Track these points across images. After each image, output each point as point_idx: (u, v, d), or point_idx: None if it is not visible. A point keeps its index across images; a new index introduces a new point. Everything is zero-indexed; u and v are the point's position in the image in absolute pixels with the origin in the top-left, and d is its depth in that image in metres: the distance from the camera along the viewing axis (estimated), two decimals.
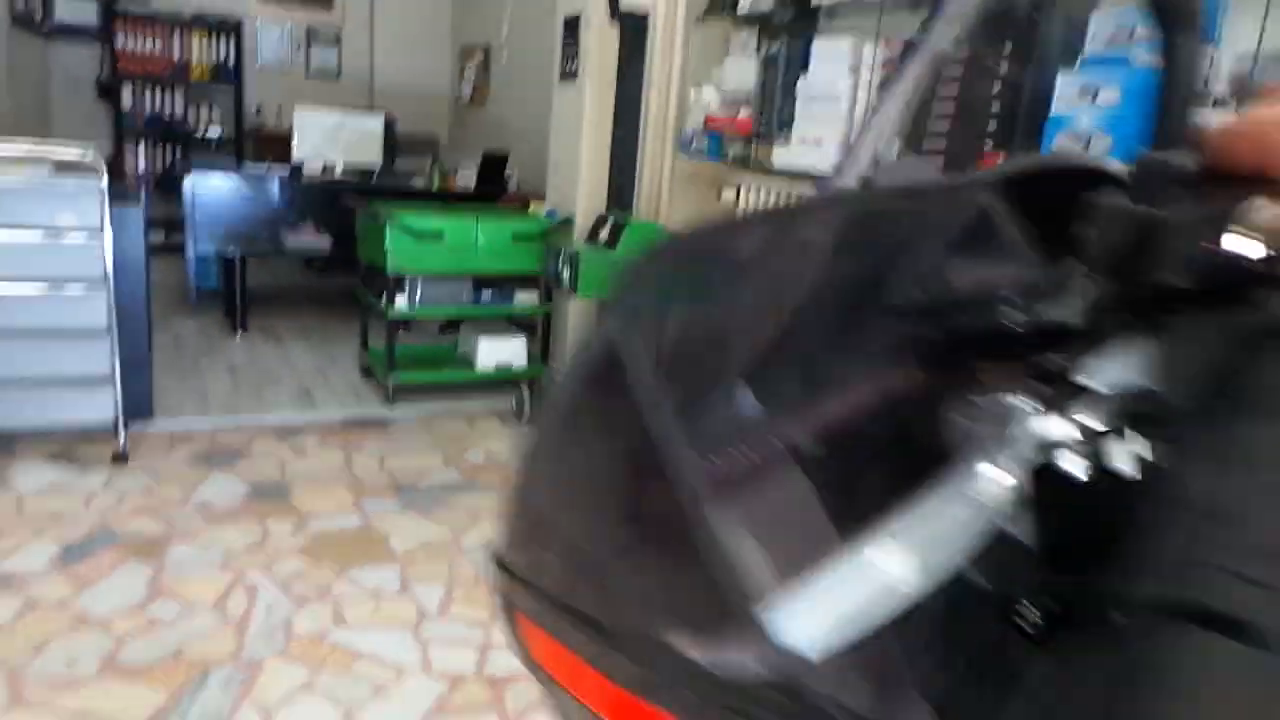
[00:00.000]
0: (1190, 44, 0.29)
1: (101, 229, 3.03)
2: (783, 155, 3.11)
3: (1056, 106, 2.05)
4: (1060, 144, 2.02)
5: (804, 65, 3.05)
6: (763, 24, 3.42)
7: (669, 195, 3.87)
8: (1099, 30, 2.03)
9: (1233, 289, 0.28)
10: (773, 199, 3.41)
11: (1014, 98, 2.22)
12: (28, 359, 3.05)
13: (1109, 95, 1.95)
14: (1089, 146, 1.97)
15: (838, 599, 0.22)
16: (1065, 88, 2.04)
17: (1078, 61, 2.06)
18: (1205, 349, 0.28)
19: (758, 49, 3.42)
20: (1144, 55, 1.91)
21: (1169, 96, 0.30)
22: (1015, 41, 2.21)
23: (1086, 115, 1.99)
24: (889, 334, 0.32)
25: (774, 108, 3.24)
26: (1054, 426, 0.29)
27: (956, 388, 0.32)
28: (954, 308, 0.33)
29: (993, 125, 2.23)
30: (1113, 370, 0.30)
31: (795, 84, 3.05)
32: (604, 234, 3.61)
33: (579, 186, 3.98)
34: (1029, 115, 2.14)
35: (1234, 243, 0.27)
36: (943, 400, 0.31)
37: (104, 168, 3.03)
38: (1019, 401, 0.30)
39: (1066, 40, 2.11)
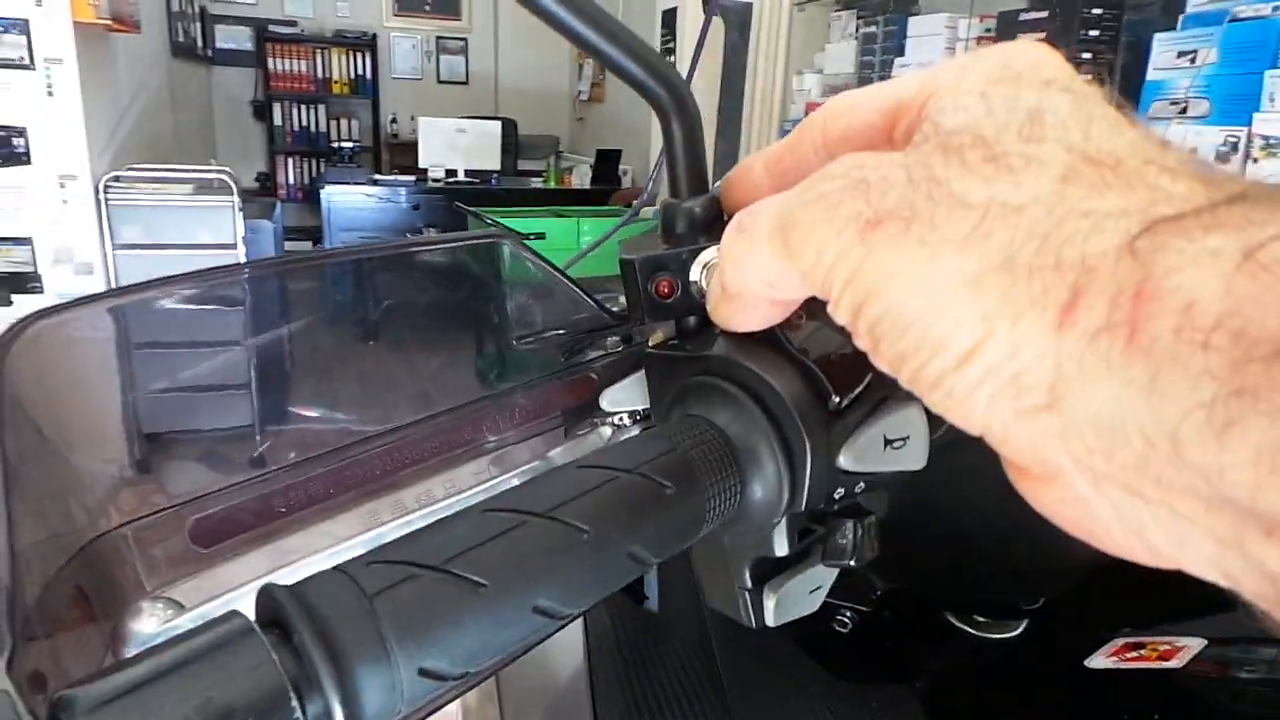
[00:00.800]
0: (687, 119, 0.30)
1: (235, 244, 3.32)
2: None
3: (1153, 72, 1.88)
4: (1157, 111, 1.86)
5: (901, 48, 2.94)
6: (860, 5, 3.31)
7: None
8: None
9: (699, 325, 0.30)
10: None
11: (1108, 58, 2.05)
12: (174, 367, 3.38)
13: (1207, 55, 1.77)
14: (1186, 112, 1.80)
15: None
16: (1162, 49, 1.87)
17: (1179, 21, 1.89)
18: (668, 380, 0.31)
19: (856, 32, 3.31)
20: (1245, 9, 1.72)
21: (673, 159, 0.31)
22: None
23: (1185, 79, 1.82)
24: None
25: None
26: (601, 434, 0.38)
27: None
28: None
29: None
30: (623, 395, 0.36)
31: (892, 65, 2.95)
32: None
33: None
34: (1125, 81, 1.98)
35: (693, 282, 0.30)
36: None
37: (236, 186, 3.30)
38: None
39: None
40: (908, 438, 0.29)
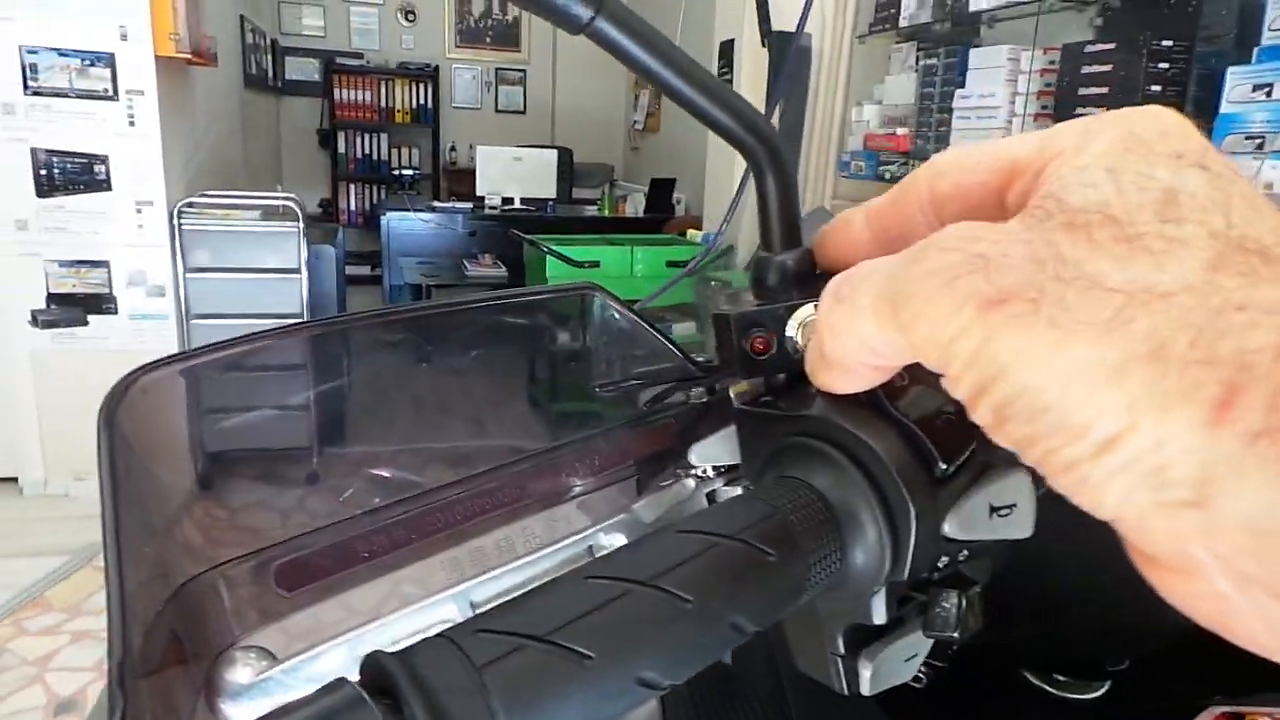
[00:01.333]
0: (781, 173, 0.30)
1: (299, 269, 3.41)
2: None
3: (1226, 105, 1.83)
4: (1231, 146, 1.80)
5: (962, 79, 2.91)
6: (922, 37, 3.29)
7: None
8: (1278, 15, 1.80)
9: (791, 384, 0.30)
10: None
11: (1178, 92, 2.00)
12: (267, 414, 3.47)
13: None
14: (1263, 147, 1.74)
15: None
16: (1236, 83, 1.82)
17: (1254, 54, 1.83)
18: (761, 438, 0.30)
19: (916, 64, 3.29)
20: None
21: (766, 213, 0.31)
22: (1173, 31, 2.00)
23: (1261, 114, 1.76)
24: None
25: (931, 123, 3.10)
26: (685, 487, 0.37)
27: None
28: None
29: None
30: (713, 451, 0.35)
31: (952, 97, 2.92)
32: None
33: (741, 212, 3.99)
34: (1195, 113, 1.93)
35: (788, 339, 0.29)
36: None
37: (301, 213, 3.40)
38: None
39: (1240, 28, 1.89)
40: (1014, 505, 0.28)
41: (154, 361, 0.28)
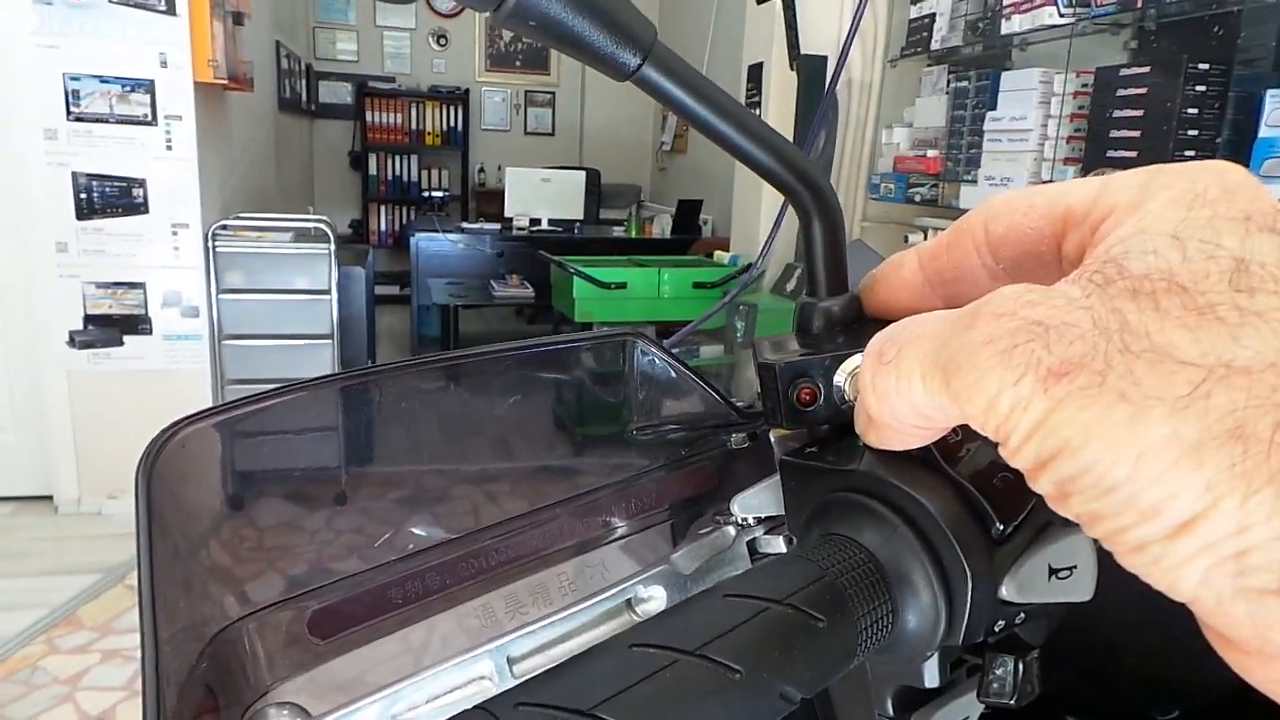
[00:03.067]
0: (828, 218, 0.30)
1: (330, 290, 3.44)
2: (971, 195, 2.96)
3: (1265, 129, 1.80)
4: (1270, 170, 1.77)
5: (993, 102, 2.89)
6: (953, 60, 3.28)
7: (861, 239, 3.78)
8: None
9: (837, 434, 0.29)
10: None
11: (1215, 115, 1.97)
12: (303, 463, 3.49)
13: None
14: None
15: None
16: (1276, 106, 1.79)
17: None
18: (807, 491, 0.29)
19: (947, 87, 3.27)
20: None
21: (812, 258, 0.30)
22: (1210, 54, 1.98)
23: None
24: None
25: (962, 145, 3.08)
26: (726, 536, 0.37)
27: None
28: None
29: (1191, 150, 2.00)
30: (756, 502, 0.35)
31: (984, 120, 2.90)
32: (792, 284, 3.58)
33: (764, 233, 3.98)
34: (1233, 136, 1.90)
35: (835, 389, 0.28)
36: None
37: (332, 235, 3.44)
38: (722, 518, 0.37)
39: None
40: (1074, 567, 0.27)
41: (191, 415, 0.28)
